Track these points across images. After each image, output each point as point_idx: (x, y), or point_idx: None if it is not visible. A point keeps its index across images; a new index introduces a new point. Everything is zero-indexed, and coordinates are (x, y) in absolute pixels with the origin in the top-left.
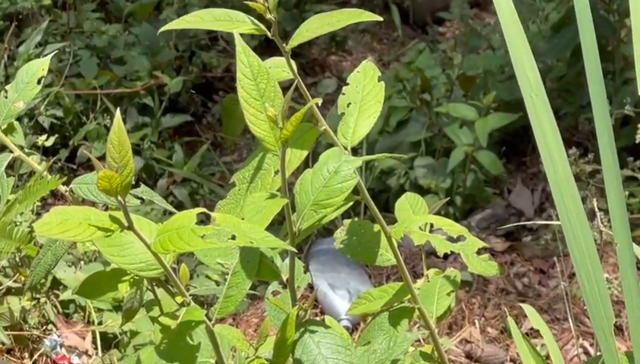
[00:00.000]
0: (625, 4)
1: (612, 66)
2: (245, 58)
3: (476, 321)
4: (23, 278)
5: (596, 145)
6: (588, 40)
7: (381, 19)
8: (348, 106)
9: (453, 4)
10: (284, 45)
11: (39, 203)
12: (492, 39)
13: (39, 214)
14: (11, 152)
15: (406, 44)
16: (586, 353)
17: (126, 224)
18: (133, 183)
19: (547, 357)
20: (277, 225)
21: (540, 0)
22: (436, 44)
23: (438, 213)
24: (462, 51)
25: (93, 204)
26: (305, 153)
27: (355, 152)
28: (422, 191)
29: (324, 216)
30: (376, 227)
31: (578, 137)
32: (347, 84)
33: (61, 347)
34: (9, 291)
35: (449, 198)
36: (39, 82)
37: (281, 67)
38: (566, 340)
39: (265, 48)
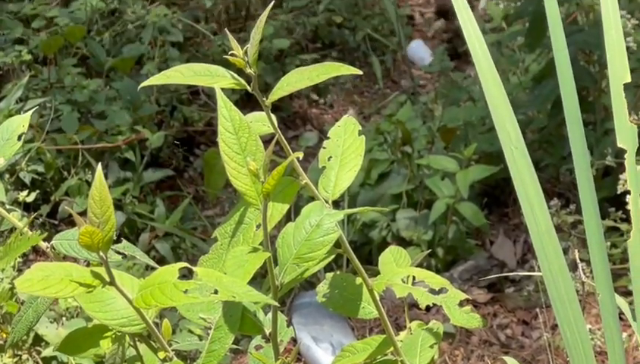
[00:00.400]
0: (605, 55)
1: (593, 117)
2: (226, 112)
3: None
4: (4, 336)
5: (577, 196)
6: (568, 91)
7: (360, 72)
8: (329, 160)
9: (433, 57)
10: (265, 99)
11: (20, 259)
12: (473, 91)
13: (20, 271)
14: None
15: (387, 96)
16: None
17: (108, 280)
18: (115, 238)
19: None
20: (259, 279)
21: (520, 51)
22: (417, 96)
23: (420, 265)
24: (443, 103)
25: (75, 260)
26: (286, 207)
27: (337, 205)
28: (404, 243)
29: (306, 270)
30: (358, 280)
31: (559, 188)
32: (328, 138)
33: None
34: None
35: (431, 250)
36: (19, 138)
37: (262, 121)
38: None
39: (246, 101)
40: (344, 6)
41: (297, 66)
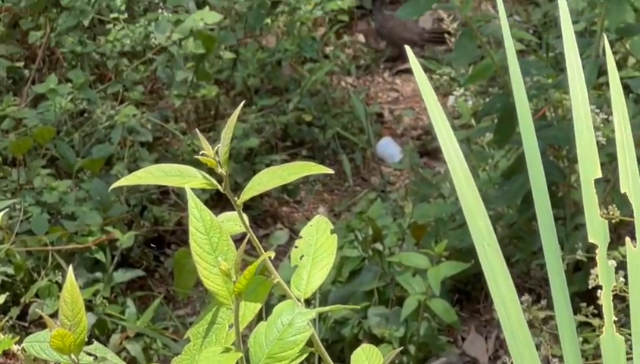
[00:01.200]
0: (574, 150)
1: (563, 212)
2: (197, 212)
3: None
4: None
5: (549, 292)
6: (538, 186)
7: (331, 171)
8: (301, 258)
9: (403, 154)
10: (236, 198)
11: None
12: (442, 187)
13: None
14: None
15: (357, 194)
16: None
17: None
18: (86, 339)
19: None
20: None
21: (489, 148)
22: (387, 193)
23: (392, 363)
24: (413, 200)
25: (46, 362)
26: (258, 306)
27: (308, 303)
28: (376, 340)
29: None
30: None
31: (530, 283)
32: (300, 237)
33: None
34: None
35: (403, 347)
36: None
37: (234, 221)
38: None
39: (216, 200)
40: (314, 105)
41: (267, 165)
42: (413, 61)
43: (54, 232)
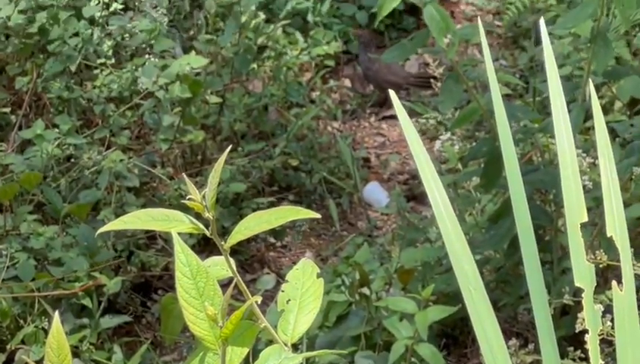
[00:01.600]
0: (561, 194)
1: (549, 256)
2: (184, 257)
3: None
4: None
5: (536, 336)
6: (525, 230)
7: (318, 216)
8: (288, 303)
9: (390, 199)
10: (223, 243)
11: None
12: (429, 231)
13: None
14: None
15: (344, 238)
16: None
17: None
18: None
19: None
20: None
21: (476, 192)
22: (374, 238)
23: None
24: (400, 244)
25: None
26: (245, 351)
27: (295, 348)
28: None
29: None
30: None
31: (517, 328)
32: (286, 281)
33: None
34: None
35: None
36: None
37: (220, 265)
38: None
39: (203, 245)
40: (300, 149)
41: (254, 210)
42: (398, 106)
43: (41, 278)
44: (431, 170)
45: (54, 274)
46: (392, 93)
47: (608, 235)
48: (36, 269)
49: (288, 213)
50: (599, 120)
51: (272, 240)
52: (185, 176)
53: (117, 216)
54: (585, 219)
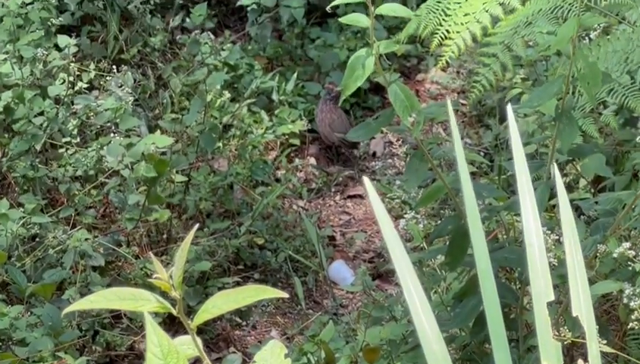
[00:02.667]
0: (526, 272)
1: (515, 334)
2: (155, 338)
3: None
4: None
5: None
6: (492, 308)
7: (286, 295)
8: None
9: (355, 277)
10: (189, 321)
11: None
12: (395, 309)
13: None
14: None
15: (309, 317)
16: None
17: None
18: None
19: None
20: None
21: (441, 270)
22: (339, 316)
23: None
24: (366, 322)
25: None
26: None
27: None
28: None
29: None
30: None
31: None
32: (253, 361)
33: None
34: None
35: None
36: None
37: (187, 345)
38: None
39: (169, 324)
40: (265, 228)
41: (219, 289)
42: (368, 186)
43: (5, 358)
44: (399, 248)
45: (18, 354)
46: (365, 179)
47: (574, 314)
48: (0, 349)
49: (255, 292)
50: (562, 199)
51: (238, 319)
52: (152, 255)
53: (82, 295)
54: (552, 298)
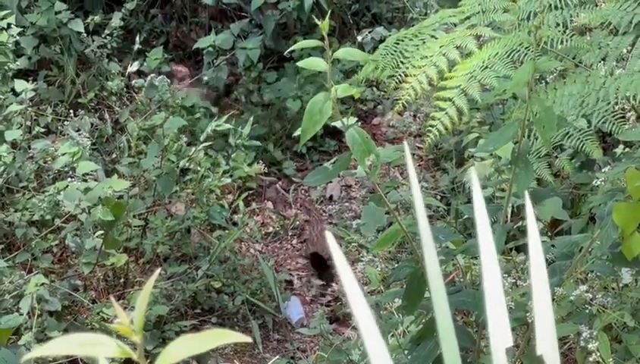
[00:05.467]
0: (483, 315)
1: None
2: None
3: None
4: None
5: None
6: (449, 352)
7: (249, 339)
8: None
9: (313, 321)
10: None
11: None
12: (352, 353)
13: None
14: None
15: (267, 360)
16: None
17: None
18: None
19: None
20: None
21: (399, 313)
22: (297, 360)
23: None
24: None
25: None
26: None
27: None
28: None
29: None
30: None
31: None
32: None
33: None
34: None
35: None
36: None
37: None
38: None
39: None
40: (223, 271)
41: (177, 333)
42: (332, 242)
43: None
44: (357, 291)
45: None
46: (329, 234)
47: (538, 353)
48: None
49: (218, 337)
50: (534, 235)
51: (195, 363)
52: (113, 299)
53: (39, 341)
54: (510, 343)
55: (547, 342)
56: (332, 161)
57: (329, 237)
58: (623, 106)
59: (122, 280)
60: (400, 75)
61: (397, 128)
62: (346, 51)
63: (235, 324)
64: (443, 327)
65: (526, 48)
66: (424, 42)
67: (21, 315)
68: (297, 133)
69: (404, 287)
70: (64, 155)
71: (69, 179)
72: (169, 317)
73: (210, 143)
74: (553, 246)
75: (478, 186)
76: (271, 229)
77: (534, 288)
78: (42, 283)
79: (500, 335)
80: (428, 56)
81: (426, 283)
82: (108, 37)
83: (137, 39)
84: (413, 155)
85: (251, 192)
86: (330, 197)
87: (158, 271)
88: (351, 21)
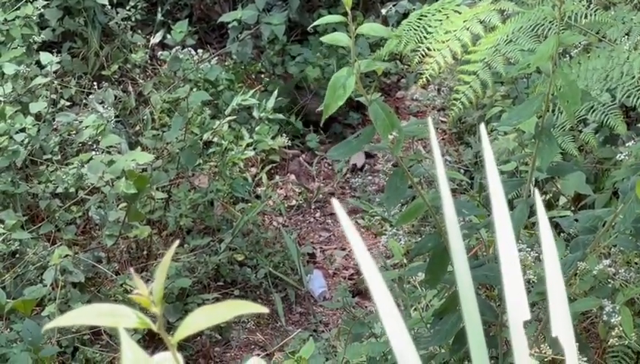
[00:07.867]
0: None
1: (495, 351)
2: (131, 354)
3: None
4: None
5: None
6: (473, 325)
7: (266, 310)
8: None
9: (335, 294)
10: (170, 337)
11: None
12: (374, 326)
13: None
14: None
15: (289, 333)
16: None
17: None
18: None
19: None
20: None
21: (421, 287)
22: (319, 333)
23: None
24: (346, 339)
25: None
26: None
27: None
28: None
29: None
30: None
31: None
32: None
33: None
34: None
35: None
36: None
37: (167, 362)
38: None
39: (148, 341)
40: (245, 244)
41: (199, 305)
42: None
43: None
44: (373, 268)
45: None
46: (334, 201)
47: (553, 335)
48: None
49: (236, 307)
50: (543, 217)
51: (217, 335)
52: (132, 270)
53: (62, 312)
54: (528, 317)
55: (561, 323)
56: (355, 134)
57: (336, 206)
58: None
59: (145, 252)
60: (423, 50)
61: (421, 101)
62: (369, 27)
63: (257, 297)
64: (466, 300)
65: (550, 22)
66: (447, 17)
67: (45, 286)
68: (320, 108)
69: (427, 260)
70: (87, 128)
71: (93, 151)
72: (192, 289)
73: (234, 117)
74: (576, 220)
75: (492, 161)
76: (294, 202)
77: (546, 268)
78: (66, 255)
79: (518, 311)
80: (452, 31)
81: (449, 257)
82: (132, 9)
83: (159, 10)
84: (437, 128)
85: (274, 165)
86: (354, 167)
87: (176, 242)
88: None
